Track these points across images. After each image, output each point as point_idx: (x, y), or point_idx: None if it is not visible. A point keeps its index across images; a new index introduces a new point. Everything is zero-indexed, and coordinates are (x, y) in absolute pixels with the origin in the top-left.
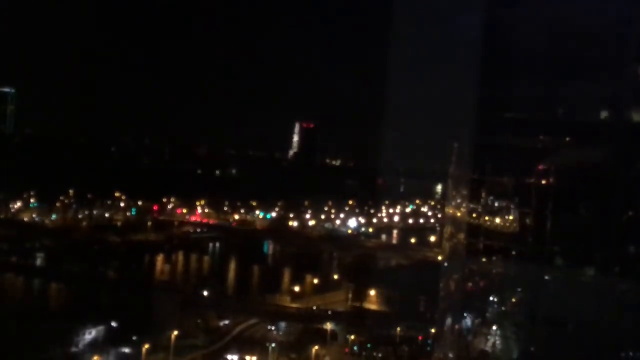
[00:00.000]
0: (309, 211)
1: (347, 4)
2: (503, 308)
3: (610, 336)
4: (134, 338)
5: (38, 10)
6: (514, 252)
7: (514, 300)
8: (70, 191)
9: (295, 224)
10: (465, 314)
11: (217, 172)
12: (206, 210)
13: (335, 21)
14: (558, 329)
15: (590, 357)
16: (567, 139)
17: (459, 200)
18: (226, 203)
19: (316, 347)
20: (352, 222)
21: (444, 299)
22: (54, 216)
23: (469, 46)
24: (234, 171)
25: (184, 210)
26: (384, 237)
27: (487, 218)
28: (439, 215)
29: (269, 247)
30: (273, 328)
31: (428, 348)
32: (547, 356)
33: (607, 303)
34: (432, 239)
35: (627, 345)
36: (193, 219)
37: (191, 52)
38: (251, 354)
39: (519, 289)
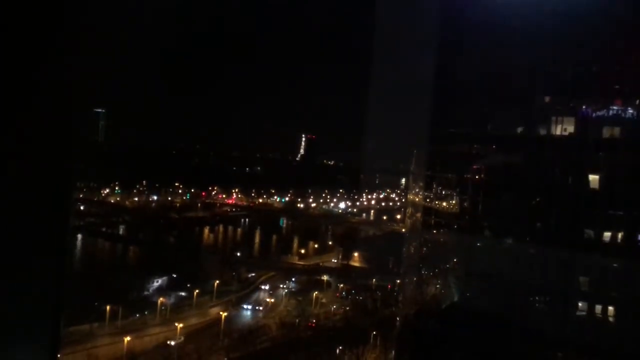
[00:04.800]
0: (312, 197)
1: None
2: (447, 265)
3: (521, 285)
4: (188, 285)
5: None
6: (455, 227)
7: (455, 260)
8: (144, 182)
9: (302, 206)
10: (421, 270)
11: (247, 169)
12: (239, 196)
13: (328, 63)
14: (485, 280)
15: (507, 300)
16: (493, 147)
17: (417, 190)
18: (253, 191)
19: (316, 293)
20: (342, 205)
21: (406, 259)
22: (132, 199)
23: (426, 82)
24: (259, 168)
25: (224, 196)
26: (364, 215)
27: (436, 202)
28: (403, 200)
29: (283, 222)
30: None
31: (395, 293)
32: (478, 299)
33: (520, 262)
34: (398, 216)
35: (533, 292)
36: (230, 202)
37: (230, 83)
38: (270, 296)
39: (458, 252)
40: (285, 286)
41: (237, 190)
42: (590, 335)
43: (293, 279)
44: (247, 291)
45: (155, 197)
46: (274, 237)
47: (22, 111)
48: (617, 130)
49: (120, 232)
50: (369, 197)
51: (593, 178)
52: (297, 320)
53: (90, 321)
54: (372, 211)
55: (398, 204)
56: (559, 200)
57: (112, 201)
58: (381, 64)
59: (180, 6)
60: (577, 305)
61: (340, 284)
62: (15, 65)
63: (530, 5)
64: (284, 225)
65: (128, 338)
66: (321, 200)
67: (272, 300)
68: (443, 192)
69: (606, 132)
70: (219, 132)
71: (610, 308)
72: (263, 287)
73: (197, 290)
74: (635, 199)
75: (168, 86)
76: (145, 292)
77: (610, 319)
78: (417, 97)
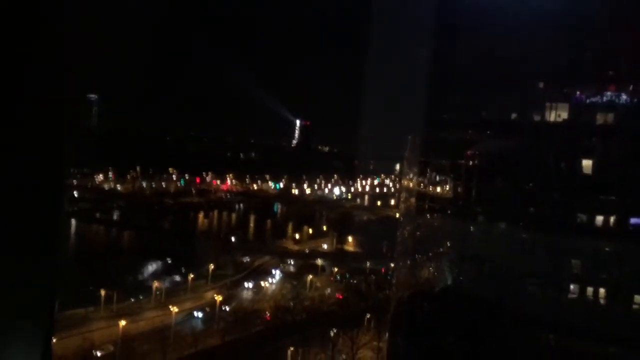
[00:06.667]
0: (306, 183)
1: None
2: (441, 250)
3: (514, 270)
4: (183, 270)
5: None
6: (449, 212)
7: (448, 244)
8: (138, 168)
9: (296, 191)
10: (414, 254)
11: (241, 155)
12: (234, 182)
13: (328, 53)
14: (478, 265)
15: (500, 284)
16: (488, 132)
17: (411, 175)
18: (247, 177)
19: (311, 276)
20: (337, 191)
21: (399, 244)
22: (126, 185)
23: (421, 68)
24: (253, 154)
25: (218, 182)
26: (358, 200)
27: (430, 188)
28: (397, 186)
29: (278, 208)
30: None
31: (388, 277)
32: (471, 283)
33: (513, 247)
34: (392, 202)
35: (525, 276)
36: (224, 187)
37: (226, 69)
38: (265, 280)
39: (452, 237)
40: (279, 270)
41: (231, 176)
42: (582, 317)
43: (288, 263)
44: (242, 275)
45: (149, 183)
46: (269, 222)
47: (13, 105)
48: (610, 117)
49: (115, 217)
50: (364, 182)
51: (586, 163)
52: (291, 304)
53: (85, 305)
54: (366, 197)
55: (392, 189)
56: (552, 186)
57: (106, 187)
58: (376, 50)
59: None
60: (569, 288)
61: (335, 267)
62: (5, 58)
63: None
64: (279, 211)
65: (123, 322)
66: (316, 186)
67: (267, 283)
68: (437, 178)
69: (600, 118)
70: (214, 118)
71: (602, 290)
72: (258, 271)
73: (192, 275)
74: (628, 184)
75: (163, 72)
76: (140, 277)
77: (602, 301)
78: (411, 83)
